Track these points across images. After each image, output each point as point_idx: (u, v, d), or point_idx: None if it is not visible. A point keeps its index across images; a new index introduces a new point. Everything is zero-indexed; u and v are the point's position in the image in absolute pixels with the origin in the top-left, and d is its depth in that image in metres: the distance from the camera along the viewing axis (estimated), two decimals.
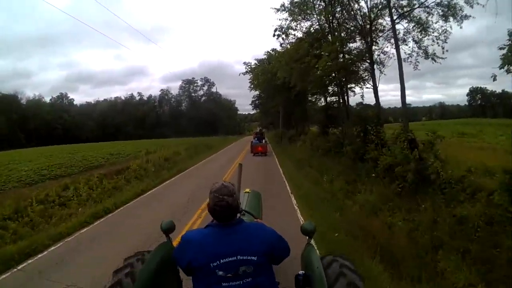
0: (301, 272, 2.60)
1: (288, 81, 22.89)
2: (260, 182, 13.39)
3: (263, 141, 28.56)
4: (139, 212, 10.30)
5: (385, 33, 16.45)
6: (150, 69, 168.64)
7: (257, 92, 52.71)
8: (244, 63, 34.23)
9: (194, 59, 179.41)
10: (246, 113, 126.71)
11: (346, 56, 17.93)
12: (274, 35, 24.66)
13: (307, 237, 2.84)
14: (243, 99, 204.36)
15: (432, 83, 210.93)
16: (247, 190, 5.28)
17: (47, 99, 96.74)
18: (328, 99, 25.72)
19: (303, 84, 20.68)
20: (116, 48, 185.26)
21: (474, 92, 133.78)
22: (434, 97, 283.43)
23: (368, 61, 16.19)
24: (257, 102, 55.17)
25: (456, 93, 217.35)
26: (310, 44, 18.62)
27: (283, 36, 21.86)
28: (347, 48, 18.32)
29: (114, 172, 16.39)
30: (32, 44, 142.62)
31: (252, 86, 39.77)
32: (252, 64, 38.10)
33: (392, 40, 14.96)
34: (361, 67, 18.26)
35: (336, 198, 10.85)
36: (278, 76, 24.21)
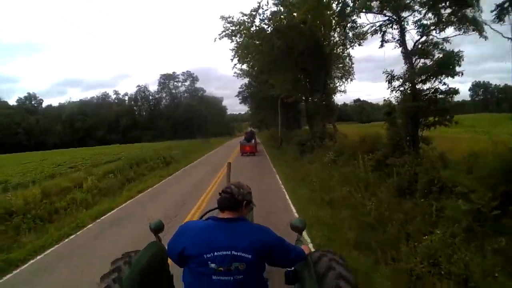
0: (291, 268, 2.54)
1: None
2: None
3: (253, 141, 27.47)
4: None
5: None
6: (139, 74, 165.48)
7: (245, 81, 39.05)
8: (222, 17, 18.23)
9: (181, 65, 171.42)
10: (237, 113, 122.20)
11: None
12: None
13: (297, 233, 2.89)
14: (234, 99, 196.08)
15: None
16: None
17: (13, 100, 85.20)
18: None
19: None
20: (105, 52, 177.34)
21: (476, 87, 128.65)
22: None
23: None
24: (245, 93, 40.95)
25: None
26: None
27: None
28: None
29: None
30: (19, 48, 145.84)
31: (237, 60, 21.50)
32: (238, 18, 18.37)
33: None
34: None
35: None
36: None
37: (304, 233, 4.76)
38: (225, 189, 2.19)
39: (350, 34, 13.66)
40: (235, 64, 21.27)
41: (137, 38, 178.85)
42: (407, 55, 10.46)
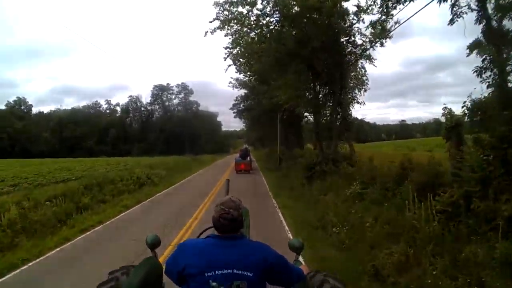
0: None
1: None
2: None
3: (248, 158, 27.37)
4: None
5: None
6: (137, 86, 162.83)
7: (242, 92, 35.36)
8: (216, 3, 13.45)
9: (179, 78, 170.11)
10: (233, 129, 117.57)
11: None
12: None
13: (295, 254, 2.79)
14: (230, 116, 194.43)
15: (415, 101, 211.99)
16: None
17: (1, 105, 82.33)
18: None
19: None
20: (103, 62, 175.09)
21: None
22: (418, 115, 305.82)
23: None
24: (240, 106, 37.03)
25: (439, 111, 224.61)
26: None
27: None
28: None
29: None
30: (19, 55, 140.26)
31: (232, 60, 17.72)
32: None
33: None
34: None
35: None
36: None
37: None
38: (224, 214, 1.99)
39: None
40: (229, 66, 17.43)
41: (138, 50, 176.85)
42: (491, 35, 6.70)
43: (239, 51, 16.11)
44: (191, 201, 13.60)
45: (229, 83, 33.33)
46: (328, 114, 15.84)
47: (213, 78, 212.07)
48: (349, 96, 16.34)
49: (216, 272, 1.90)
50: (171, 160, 33.07)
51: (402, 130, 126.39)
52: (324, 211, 10.12)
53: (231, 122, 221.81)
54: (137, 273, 2.26)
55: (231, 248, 1.98)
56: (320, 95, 15.77)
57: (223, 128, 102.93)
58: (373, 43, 15.03)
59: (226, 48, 16.05)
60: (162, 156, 43.14)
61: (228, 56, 15.98)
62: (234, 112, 37.55)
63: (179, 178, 22.04)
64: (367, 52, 15.47)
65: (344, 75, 14.85)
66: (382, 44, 15.18)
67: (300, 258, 2.89)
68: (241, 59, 18.08)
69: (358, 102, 16.86)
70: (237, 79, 33.19)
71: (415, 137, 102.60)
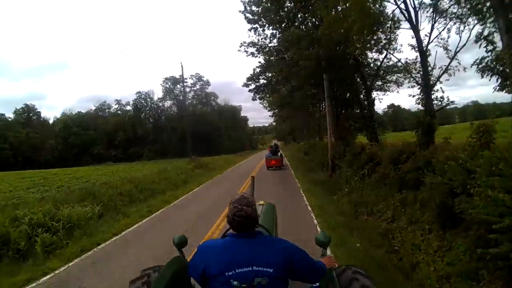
0: (316, 284, 2.45)
1: None
2: None
3: (278, 154, 26.40)
4: None
5: None
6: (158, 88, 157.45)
7: (260, 60, 23.01)
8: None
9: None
10: (261, 125, 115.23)
11: None
12: None
13: (322, 248, 2.79)
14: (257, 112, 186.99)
15: (442, 85, 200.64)
16: (261, 202, 4.87)
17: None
18: None
19: None
20: (127, 70, 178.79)
21: None
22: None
23: None
24: (259, 80, 24.09)
25: (469, 94, 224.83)
26: None
27: None
28: None
29: None
30: (45, 67, 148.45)
31: None
32: None
33: None
34: None
35: None
36: None
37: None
38: (237, 212, 1.98)
39: None
40: None
41: (152, 49, 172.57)
42: None
43: None
44: None
45: (239, 47, 21.33)
46: None
47: (234, 77, 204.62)
48: None
49: (236, 270, 1.89)
50: (149, 170, 20.89)
51: (439, 115, 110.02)
52: None
53: (258, 118, 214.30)
54: (165, 272, 2.22)
55: (249, 245, 1.96)
56: None
57: (251, 125, 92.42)
58: None
59: None
60: (160, 160, 31.13)
61: None
62: (249, 91, 24.91)
63: (117, 227, 9.46)
64: None
65: None
66: None
67: (328, 252, 2.85)
68: None
69: None
70: (251, 42, 21.21)
71: (454, 122, 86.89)
